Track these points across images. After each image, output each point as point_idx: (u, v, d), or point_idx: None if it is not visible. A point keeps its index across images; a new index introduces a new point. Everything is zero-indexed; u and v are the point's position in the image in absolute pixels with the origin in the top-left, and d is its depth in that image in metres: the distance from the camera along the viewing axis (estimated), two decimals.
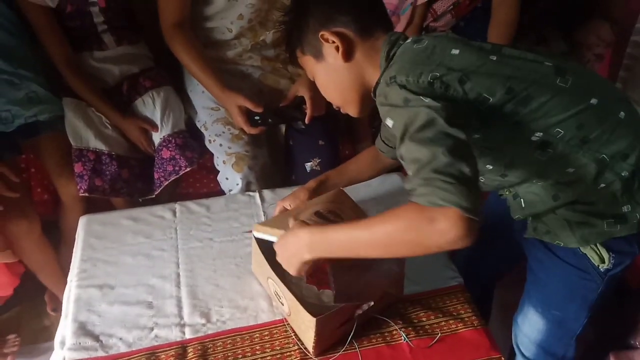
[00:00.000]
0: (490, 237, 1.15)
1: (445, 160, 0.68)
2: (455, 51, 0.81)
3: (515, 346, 1.15)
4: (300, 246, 0.85)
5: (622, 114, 0.85)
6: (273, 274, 0.96)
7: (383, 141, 1.13)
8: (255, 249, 1.03)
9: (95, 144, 1.42)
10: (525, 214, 0.97)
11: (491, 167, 0.90)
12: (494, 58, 0.82)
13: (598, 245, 0.92)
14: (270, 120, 1.40)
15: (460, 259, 1.25)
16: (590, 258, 0.93)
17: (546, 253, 1.00)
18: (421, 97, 0.75)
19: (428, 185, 0.68)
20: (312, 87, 1.27)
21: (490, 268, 1.29)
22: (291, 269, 0.89)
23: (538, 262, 1.04)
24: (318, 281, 1.01)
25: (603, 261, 0.92)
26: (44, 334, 1.58)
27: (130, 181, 1.45)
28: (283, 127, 1.52)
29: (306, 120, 1.41)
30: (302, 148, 1.48)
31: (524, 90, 0.80)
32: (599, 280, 0.96)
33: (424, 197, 0.68)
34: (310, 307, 0.91)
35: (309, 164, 1.45)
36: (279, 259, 0.92)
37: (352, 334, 0.97)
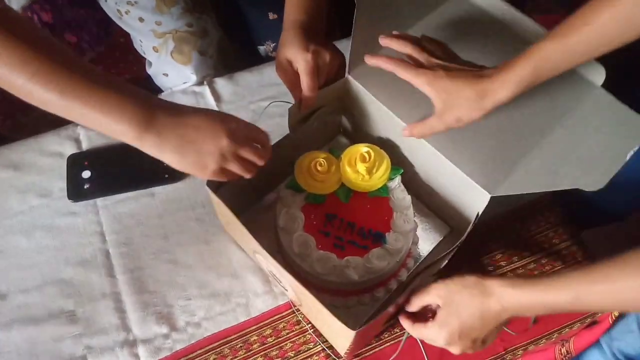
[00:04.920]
0: None
1: None
2: None
3: None
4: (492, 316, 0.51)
5: None
6: (259, 247, 0.55)
7: None
8: (219, 204, 0.59)
9: None
10: None
11: None
12: None
13: None
14: None
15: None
16: None
17: None
18: None
19: None
20: None
21: None
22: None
23: None
24: (336, 241, 0.61)
25: None
26: None
27: None
28: None
29: None
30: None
31: None
32: None
33: None
34: (334, 294, 0.56)
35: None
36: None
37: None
